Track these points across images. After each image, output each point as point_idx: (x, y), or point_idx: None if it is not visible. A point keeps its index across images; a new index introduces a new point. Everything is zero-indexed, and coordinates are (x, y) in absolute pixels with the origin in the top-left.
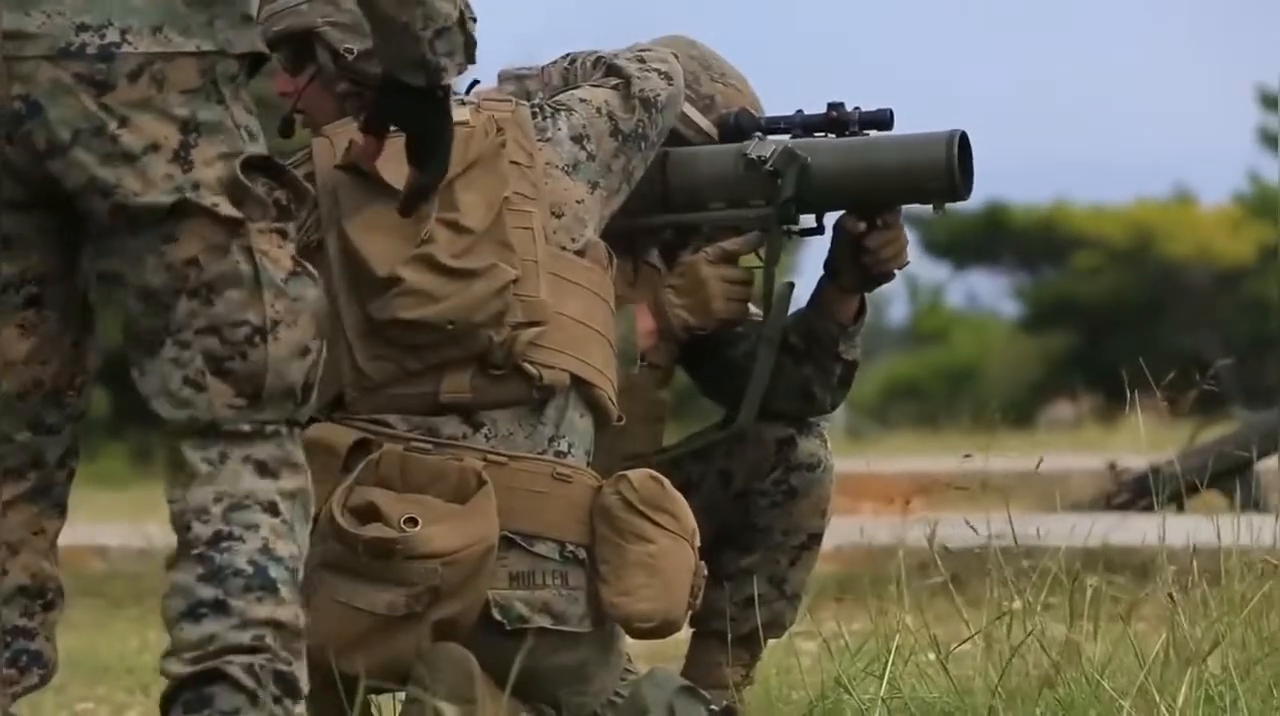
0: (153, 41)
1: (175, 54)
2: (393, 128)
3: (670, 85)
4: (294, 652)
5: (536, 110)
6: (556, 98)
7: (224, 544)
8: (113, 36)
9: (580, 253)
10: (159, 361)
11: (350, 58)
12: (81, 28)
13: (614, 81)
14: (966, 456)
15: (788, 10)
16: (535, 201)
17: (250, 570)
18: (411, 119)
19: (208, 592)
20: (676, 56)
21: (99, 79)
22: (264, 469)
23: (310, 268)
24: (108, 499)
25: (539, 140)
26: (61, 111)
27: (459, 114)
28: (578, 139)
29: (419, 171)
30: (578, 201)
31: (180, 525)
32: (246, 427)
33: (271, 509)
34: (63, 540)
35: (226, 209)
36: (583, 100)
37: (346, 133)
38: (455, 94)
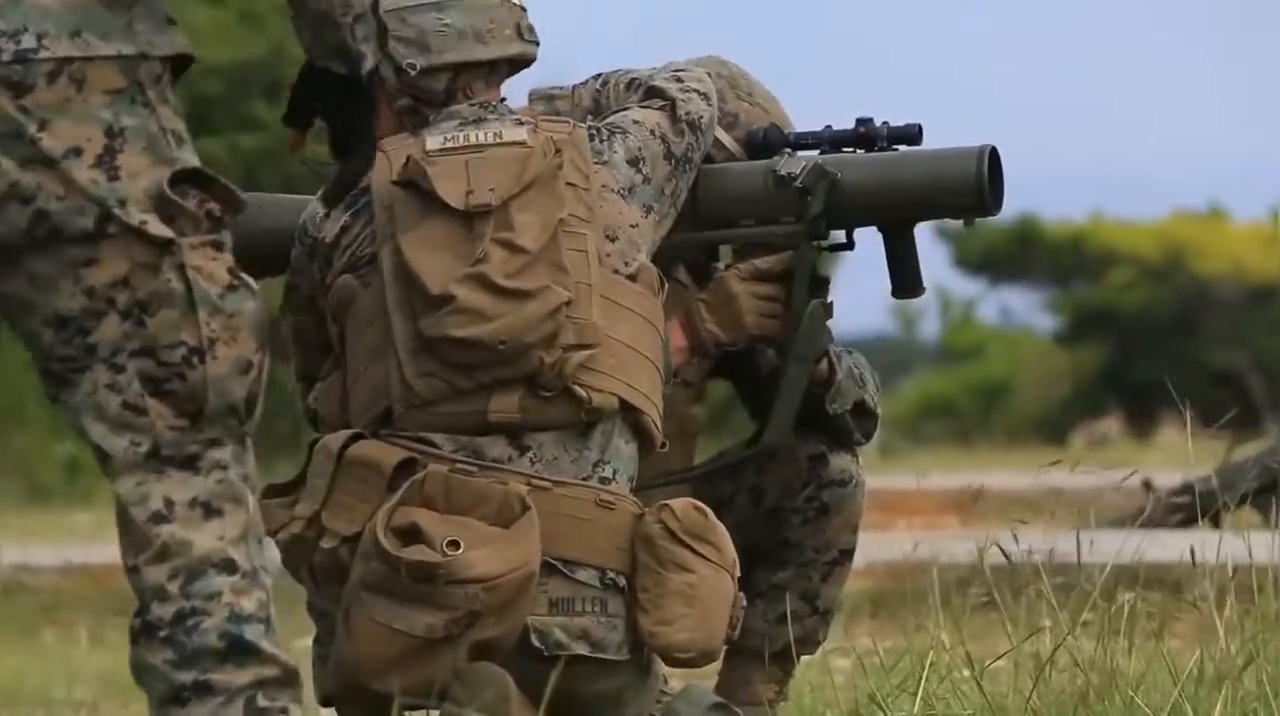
0: (71, 45)
1: (94, 57)
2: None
3: (710, 107)
4: (288, 697)
5: (594, 132)
6: (610, 120)
7: (190, 622)
8: (28, 42)
9: (632, 277)
10: (78, 392)
11: (413, 73)
12: None
13: (660, 103)
14: (1054, 463)
15: (817, 12)
16: (590, 224)
17: (223, 645)
18: (334, 109)
19: (186, 677)
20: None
21: (15, 80)
22: (209, 511)
23: (249, 280)
24: None
25: (596, 163)
26: None
27: (517, 134)
28: (634, 162)
29: (345, 163)
30: (632, 225)
31: (141, 601)
32: (189, 451)
33: (228, 567)
34: (97, 558)
35: (156, 228)
36: (636, 123)
37: (405, 148)
38: (511, 113)
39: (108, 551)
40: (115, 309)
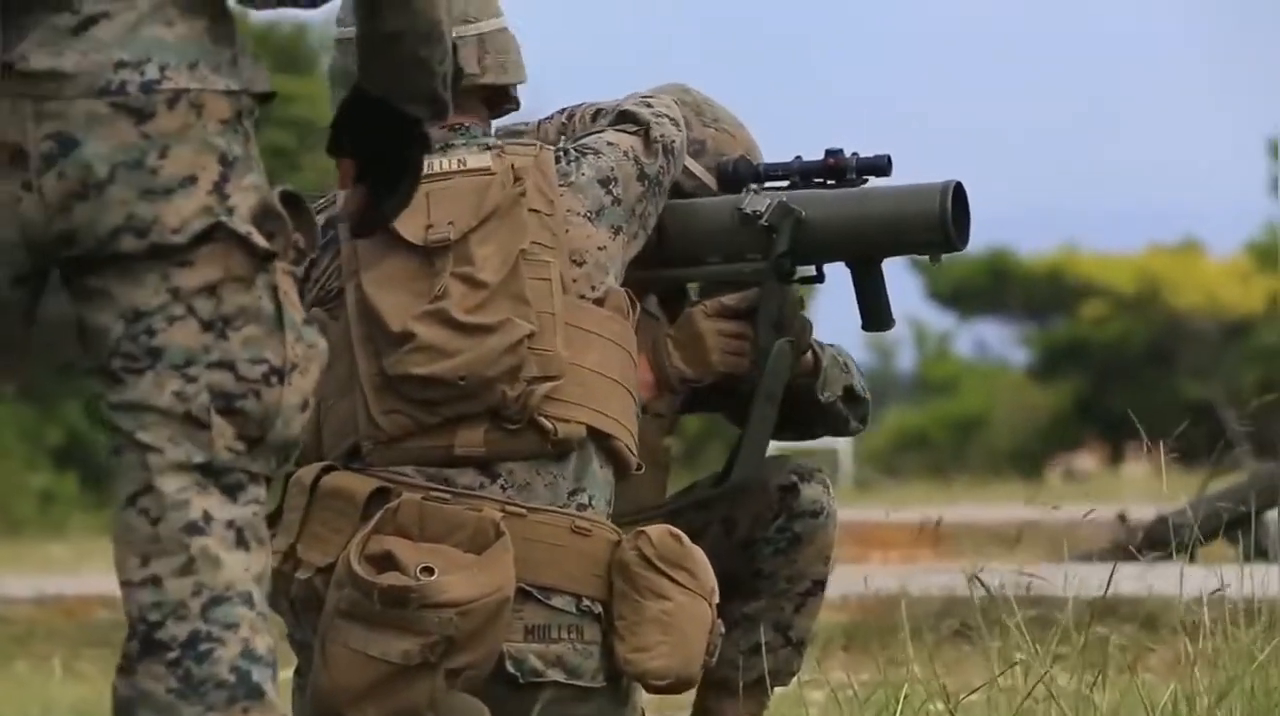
0: (190, 77)
1: (209, 89)
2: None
3: (680, 132)
4: None
5: (561, 154)
6: (582, 141)
7: (203, 647)
8: (152, 73)
9: (600, 301)
10: (131, 391)
11: None
12: (120, 64)
13: (633, 128)
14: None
15: (799, 49)
16: (554, 250)
17: (233, 679)
18: (385, 140)
19: (191, 711)
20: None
21: (137, 107)
22: (240, 539)
23: (317, 317)
24: None
25: (561, 184)
26: (99, 144)
27: (481, 160)
28: (605, 182)
29: (381, 201)
30: (599, 248)
31: (146, 619)
32: (235, 478)
33: (249, 601)
34: (70, 589)
35: (259, 239)
36: (610, 144)
37: None
38: (484, 136)
39: (82, 582)
40: (195, 316)
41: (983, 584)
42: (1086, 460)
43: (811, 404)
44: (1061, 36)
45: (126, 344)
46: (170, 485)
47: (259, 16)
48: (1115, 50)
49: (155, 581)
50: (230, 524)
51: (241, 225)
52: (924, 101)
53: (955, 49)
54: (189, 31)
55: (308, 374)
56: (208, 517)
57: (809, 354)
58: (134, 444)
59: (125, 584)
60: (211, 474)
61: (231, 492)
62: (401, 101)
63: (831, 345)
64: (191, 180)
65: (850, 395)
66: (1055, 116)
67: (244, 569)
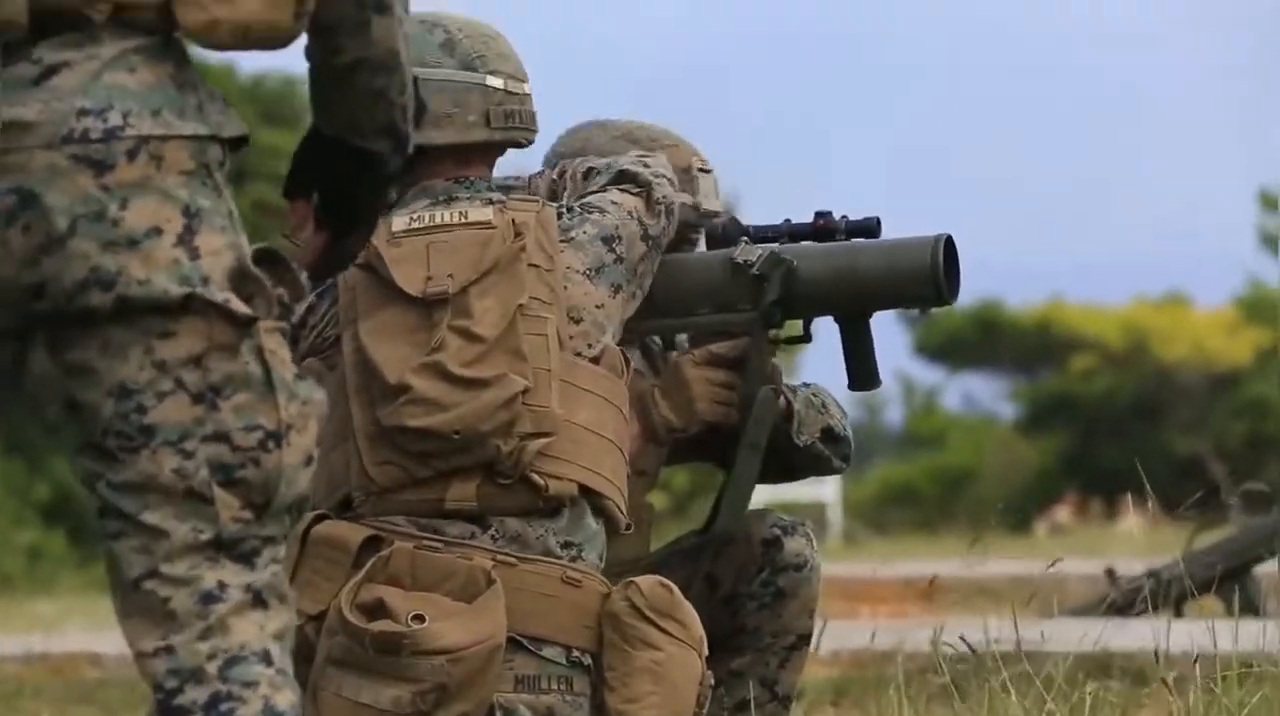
0: (154, 124)
1: (173, 136)
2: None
3: (677, 193)
4: None
5: (564, 211)
6: (587, 199)
7: (224, 707)
8: (115, 119)
9: (596, 359)
10: (128, 471)
11: None
12: (82, 112)
13: (636, 189)
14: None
15: (780, 99)
16: (552, 306)
17: None
18: (340, 180)
19: None
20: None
21: (97, 159)
22: (259, 600)
23: (312, 368)
24: (104, 605)
25: (562, 240)
26: (58, 197)
27: (483, 214)
28: (608, 239)
29: (335, 236)
30: (597, 306)
31: (165, 688)
32: (249, 546)
33: (266, 658)
34: (57, 647)
35: (238, 305)
36: (614, 203)
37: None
38: (487, 190)
39: (69, 640)
40: (184, 389)
41: (967, 644)
42: (1074, 514)
43: (788, 448)
44: (1051, 89)
45: (119, 422)
46: (179, 568)
47: (248, 69)
48: (1104, 104)
49: (169, 650)
50: (248, 587)
51: (218, 293)
52: (916, 153)
53: (949, 102)
54: (152, 78)
55: (306, 431)
56: (222, 586)
57: (780, 399)
58: (139, 527)
59: (139, 655)
60: (222, 547)
61: (247, 560)
62: (360, 136)
63: (807, 385)
64: (156, 232)
65: (829, 435)
66: (1046, 170)
67: (259, 628)
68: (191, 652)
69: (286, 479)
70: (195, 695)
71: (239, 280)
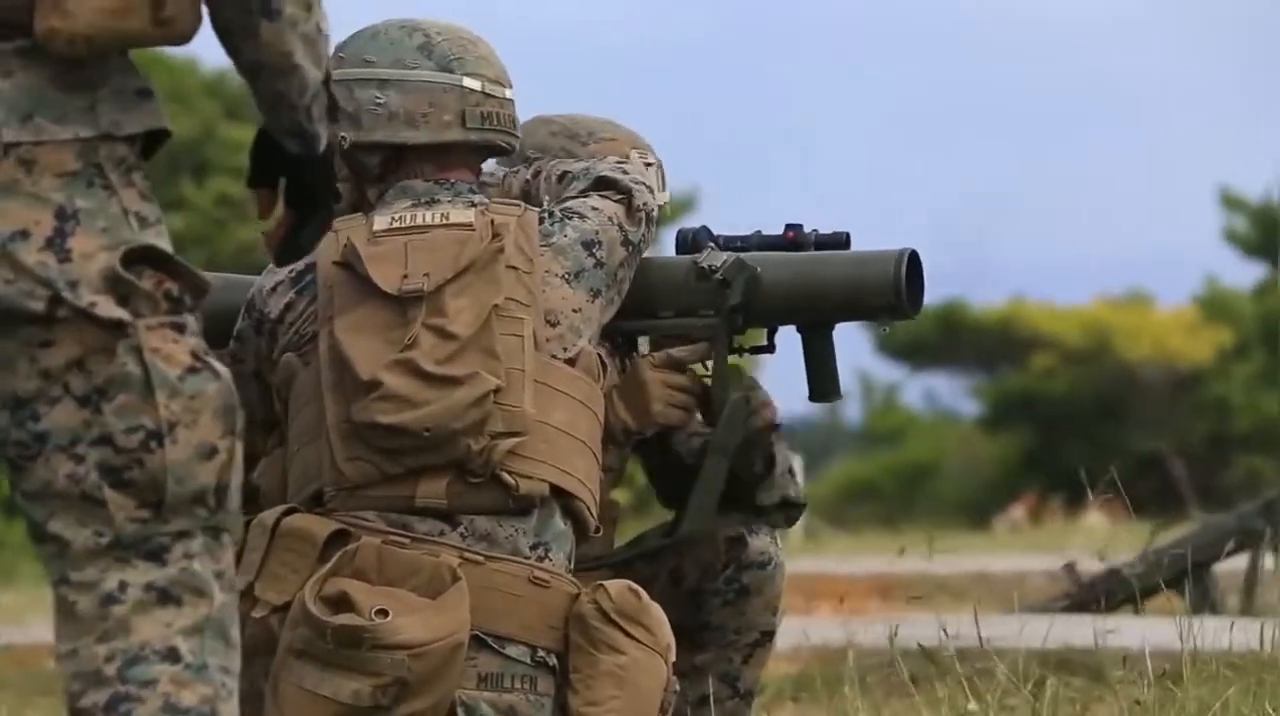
0: (21, 130)
1: (45, 142)
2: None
3: (654, 199)
4: None
5: (545, 215)
6: (568, 204)
7: (123, 708)
8: None
9: (571, 361)
10: (32, 479)
11: (345, 146)
12: None
13: (617, 195)
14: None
15: (763, 110)
16: (530, 308)
17: None
18: (293, 169)
19: None
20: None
21: None
22: (166, 597)
23: (215, 363)
24: None
25: (542, 244)
26: None
27: (464, 216)
28: (589, 244)
29: (299, 222)
30: (575, 310)
31: (71, 690)
32: (156, 543)
33: (171, 656)
34: (19, 639)
35: (107, 309)
36: (595, 209)
37: (353, 228)
38: (470, 192)
39: (31, 631)
40: (71, 395)
41: (922, 648)
42: (1035, 511)
43: (748, 504)
44: (1011, 87)
45: (16, 432)
46: (87, 573)
47: (211, 65)
48: (1066, 103)
49: (73, 654)
50: (149, 586)
51: (86, 297)
52: (875, 153)
53: (909, 101)
54: (30, 81)
55: (196, 425)
56: (123, 586)
57: (760, 465)
58: (47, 536)
59: (56, 658)
60: (126, 547)
61: (156, 556)
62: (276, 135)
63: (778, 427)
64: (22, 235)
65: (786, 501)
66: (1008, 169)
67: (165, 625)
68: (91, 656)
69: (175, 476)
70: (96, 697)
71: (114, 281)
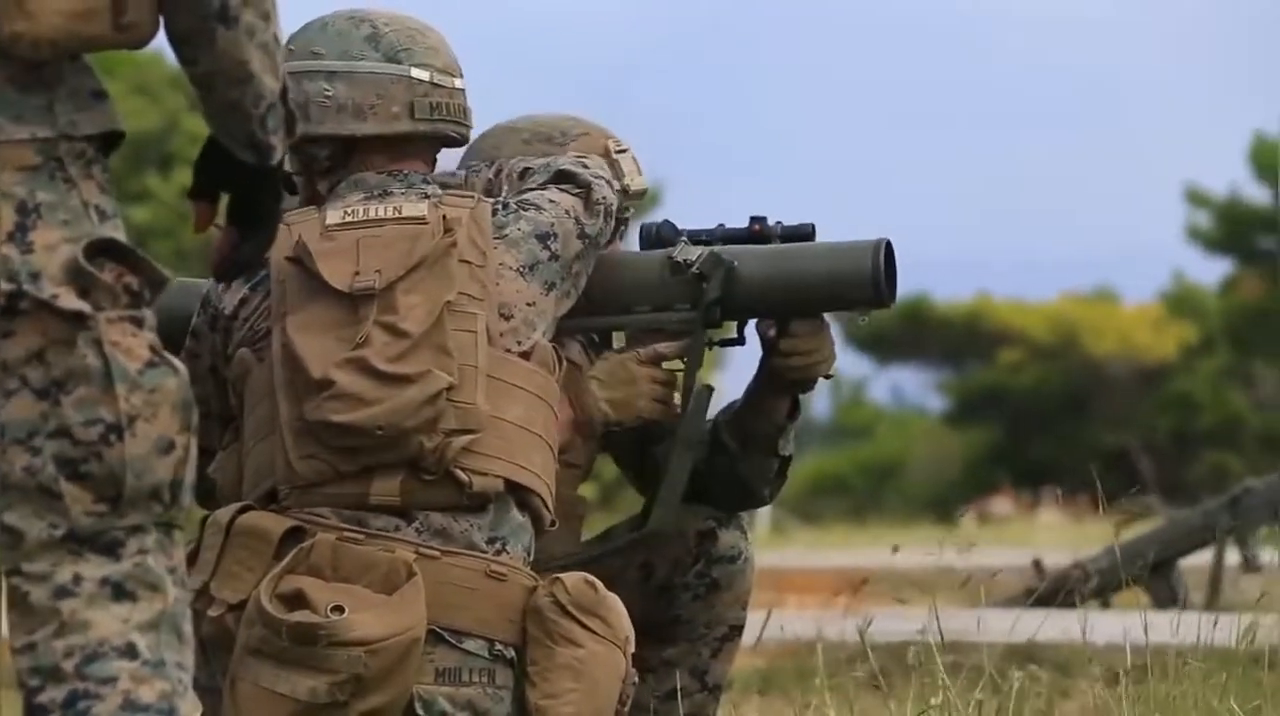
0: None
1: (4, 141)
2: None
3: (614, 195)
4: None
5: (500, 207)
6: (524, 196)
7: (81, 706)
8: None
9: (526, 355)
10: None
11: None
12: None
13: (575, 189)
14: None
15: (742, 103)
16: (483, 302)
17: None
18: (239, 184)
19: None
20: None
21: None
22: (120, 592)
23: (172, 358)
24: None
25: (496, 237)
26: None
27: (417, 209)
28: (544, 237)
29: (242, 239)
30: (529, 303)
31: (29, 685)
32: (111, 537)
33: (129, 652)
34: None
35: (68, 301)
36: (552, 201)
37: (305, 222)
38: (424, 184)
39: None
40: (29, 387)
41: (889, 653)
42: (1001, 505)
43: (767, 448)
44: (979, 84)
45: None
46: (40, 565)
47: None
48: (1032, 101)
49: (30, 649)
50: (104, 581)
51: (47, 289)
52: (846, 147)
53: (880, 97)
54: None
55: (155, 419)
56: (77, 579)
57: (794, 398)
58: (2, 528)
59: (10, 651)
60: (81, 541)
61: (110, 551)
62: (231, 145)
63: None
64: None
65: (782, 468)
66: (972, 164)
67: (122, 621)
68: (49, 651)
69: (134, 470)
70: (54, 694)
71: (75, 274)
